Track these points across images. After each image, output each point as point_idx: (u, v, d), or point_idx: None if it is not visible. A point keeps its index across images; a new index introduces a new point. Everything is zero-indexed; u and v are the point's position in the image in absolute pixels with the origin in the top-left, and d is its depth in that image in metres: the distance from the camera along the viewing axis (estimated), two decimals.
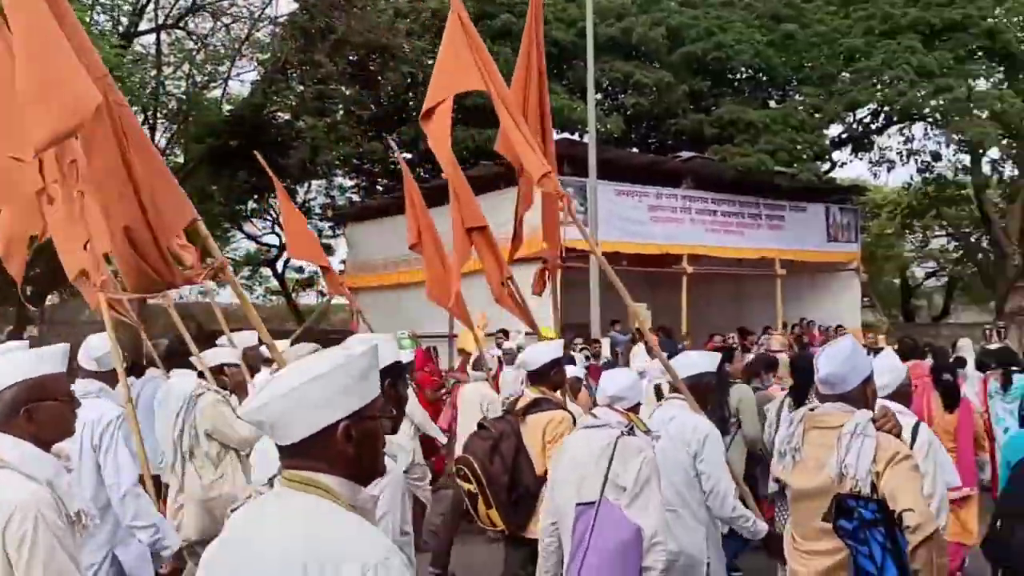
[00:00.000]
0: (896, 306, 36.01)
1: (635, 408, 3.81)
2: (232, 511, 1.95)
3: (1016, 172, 25.04)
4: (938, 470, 3.67)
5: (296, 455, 1.68)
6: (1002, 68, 21.64)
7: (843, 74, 19.75)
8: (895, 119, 22.47)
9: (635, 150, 21.05)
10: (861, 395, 3.16)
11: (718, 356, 4.89)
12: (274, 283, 30.94)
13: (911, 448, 3.41)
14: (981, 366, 9.92)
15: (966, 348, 10.95)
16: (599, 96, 19.70)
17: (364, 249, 20.05)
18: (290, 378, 1.67)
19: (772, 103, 21.39)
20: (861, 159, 25.31)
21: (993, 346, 14.49)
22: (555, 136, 18.81)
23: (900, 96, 18.42)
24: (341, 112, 20.22)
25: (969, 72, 19.90)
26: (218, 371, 5.40)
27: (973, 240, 31.46)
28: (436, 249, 7.23)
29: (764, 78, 20.91)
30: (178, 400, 5.13)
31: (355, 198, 24.56)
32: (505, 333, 10.91)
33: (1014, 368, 9.61)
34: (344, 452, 1.67)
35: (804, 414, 3.30)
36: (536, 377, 4.54)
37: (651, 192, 17.25)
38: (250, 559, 1.63)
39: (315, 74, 18.43)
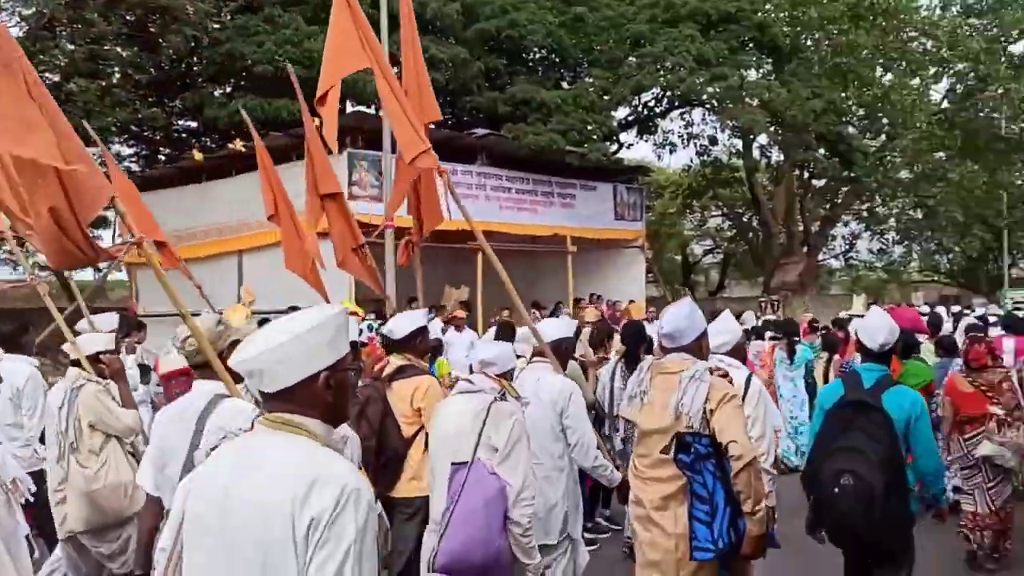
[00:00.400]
0: (678, 281, 38.22)
1: (507, 375, 4.13)
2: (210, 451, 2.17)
3: (782, 157, 27.15)
4: (767, 415, 4.54)
5: (281, 400, 1.97)
6: (771, 60, 23.35)
7: (630, 58, 20.54)
8: (676, 104, 23.72)
9: (431, 126, 20.99)
10: (697, 348, 3.81)
11: (575, 323, 5.89)
12: (42, 257, 28.50)
13: (744, 397, 4.21)
14: (758, 335, 10.87)
15: (749, 319, 11.91)
16: (395, 69, 19.48)
17: None
18: (279, 333, 1.97)
19: (565, 84, 21.98)
20: (646, 141, 26.57)
21: (770, 317, 15.75)
22: (349, 108, 18.40)
23: (680, 82, 19.44)
24: (117, 75, 18.85)
25: (742, 62, 21.31)
26: (94, 359, 5.18)
27: (745, 220, 33.89)
28: (292, 218, 7.25)
29: (556, 59, 21.44)
30: (58, 394, 5.09)
31: (134, 167, 23.02)
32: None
33: (796, 339, 10.53)
34: (323, 398, 1.99)
35: (652, 363, 3.93)
36: (401, 345, 4.79)
37: (447, 168, 17.20)
38: (258, 474, 1.91)
39: (87, 33, 17.05)
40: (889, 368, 4.38)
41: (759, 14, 21.96)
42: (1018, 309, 21.44)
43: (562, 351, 4.95)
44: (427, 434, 4.32)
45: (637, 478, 3.82)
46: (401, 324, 4.88)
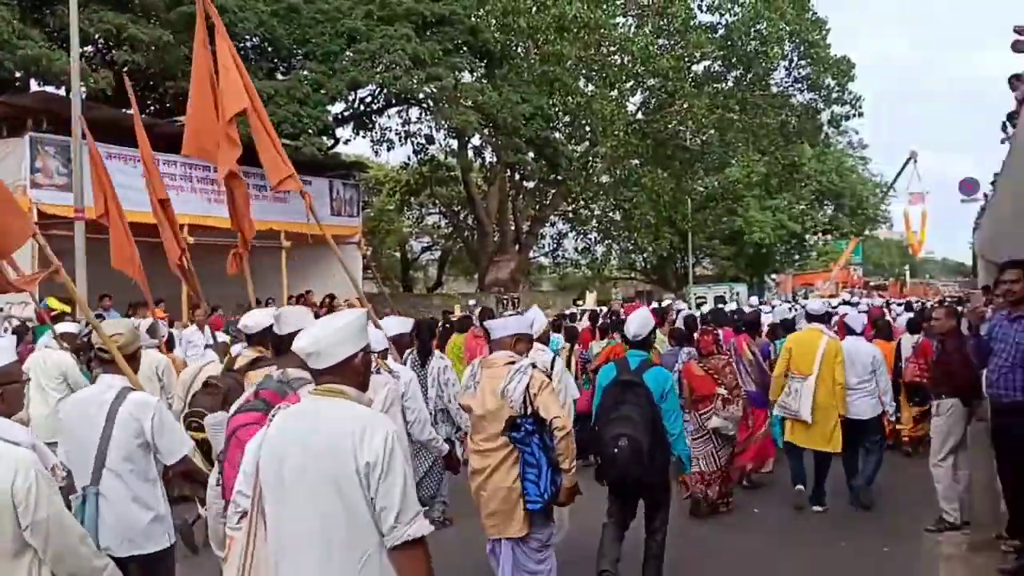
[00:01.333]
0: (397, 277, 38.52)
1: (383, 353, 5.26)
2: (274, 414, 2.85)
3: (495, 158, 28.22)
4: (568, 389, 6.48)
5: (330, 373, 2.73)
6: (484, 64, 24.19)
7: (346, 53, 20.38)
8: (394, 101, 23.88)
9: (130, 111, 19.58)
10: (512, 344, 4.99)
11: (411, 321, 6.94)
12: None
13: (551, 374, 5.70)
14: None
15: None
16: (87, 49, 17.94)
17: None
18: (330, 325, 2.79)
19: (278, 75, 21.36)
20: (364, 137, 26.51)
21: (509, 313, 16.47)
22: (34, 88, 16.63)
23: (396, 80, 19.59)
24: None
25: (456, 64, 21.88)
26: None
27: (461, 218, 34.86)
28: (120, 218, 7.62)
29: (269, 48, 20.78)
30: None
31: None
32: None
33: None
34: (358, 372, 2.80)
35: (481, 360, 5.08)
36: (256, 339, 5.19)
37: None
38: (322, 426, 2.65)
39: None
40: (649, 354, 5.62)
41: (472, 19, 22.65)
42: (701, 303, 23.88)
43: (401, 344, 6.29)
44: None
45: (476, 452, 4.88)
46: (255, 320, 5.27)
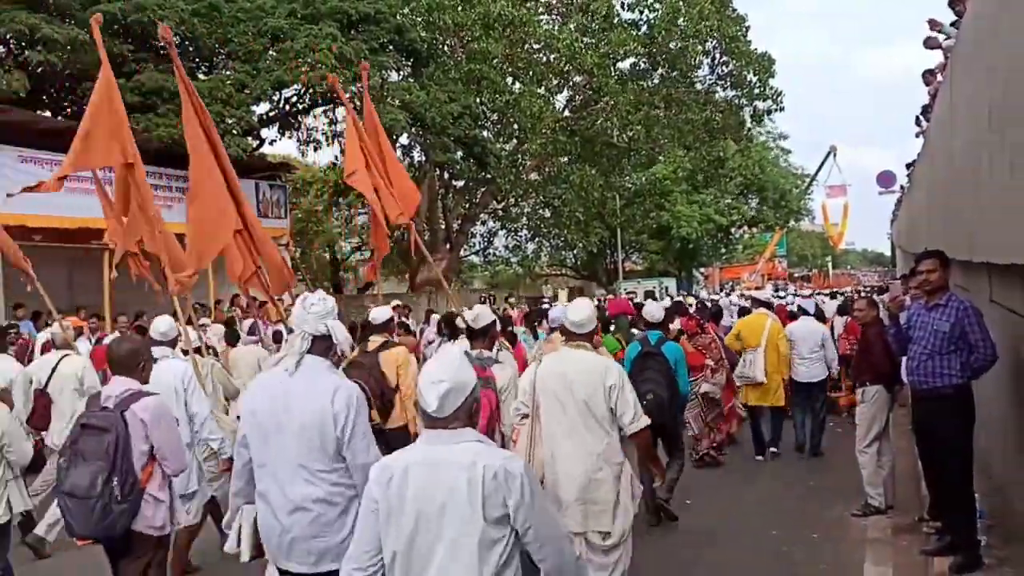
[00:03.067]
0: (327, 278, 38.05)
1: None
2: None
3: (423, 157, 28.07)
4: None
5: (581, 338, 4.77)
6: (410, 63, 24.03)
7: (270, 52, 20.03)
8: (319, 101, 23.55)
9: (46, 113, 18.95)
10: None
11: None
12: None
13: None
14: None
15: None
16: (0, 50, 17.31)
17: None
18: (586, 309, 4.89)
19: (200, 75, 20.88)
20: (290, 138, 26.08)
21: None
22: None
23: (322, 79, 19.33)
24: None
25: (383, 63, 21.68)
26: None
27: None
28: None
29: (190, 48, 20.30)
30: None
31: None
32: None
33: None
34: (593, 336, 4.92)
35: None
36: (380, 328, 7.29)
37: (64, 160, 15.69)
38: (580, 365, 4.66)
39: None
40: (664, 332, 7.58)
41: (397, 17, 22.49)
42: (631, 296, 24.17)
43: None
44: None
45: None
46: (380, 313, 7.50)
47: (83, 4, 17.67)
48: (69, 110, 19.67)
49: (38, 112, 18.18)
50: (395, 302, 17.46)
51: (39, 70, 17.29)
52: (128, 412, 4.21)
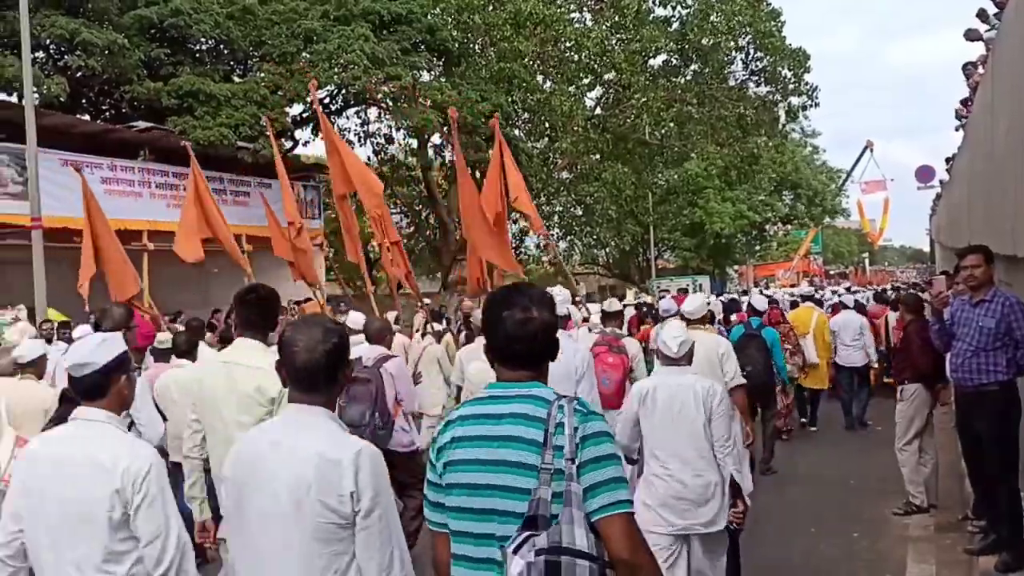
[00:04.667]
0: (360, 278, 38.24)
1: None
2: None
3: (455, 157, 28.10)
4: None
5: (698, 322, 6.77)
6: (441, 63, 24.10)
7: (303, 54, 20.20)
8: (352, 102, 23.71)
9: (85, 117, 19.25)
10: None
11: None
12: None
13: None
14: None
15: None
16: (39, 55, 17.59)
17: None
18: (699, 299, 7.29)
19: (235, 77, 21.11)
20: (323, 139, 26.26)
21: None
22: None
23: (356, 80, 19.45)
24: None
25: (414, 63, 21.76)
26: None
27: (423, 217, 34.71)
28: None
29: (225, 51, 20.52)
30: None
31: None
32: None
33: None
34: (708, 321, 7.58)
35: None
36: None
37: (104, 163, 15.96)
38: (703, 343, 6.00)
39: None
40: (762, 319, 9.77)
41: (428, 17, 22.56)
42: (664, 295, 24.05)
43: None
44: None
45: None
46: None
47: (121, 8, 17.93)
48: (107, 113, 19.98)
49: (77, 116, 18.46)
50: (426, 301, 17.58)
51: (78, 74, 17.57)
52: (382, 368, 6.03)
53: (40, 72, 15.76)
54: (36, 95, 13.13)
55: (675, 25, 29.82)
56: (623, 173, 29.80)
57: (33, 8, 12.68)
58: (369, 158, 29.08)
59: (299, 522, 2.46)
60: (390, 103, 22.39)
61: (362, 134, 26.89)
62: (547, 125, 27.73)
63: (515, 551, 2.14)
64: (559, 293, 6.50)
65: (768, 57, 30.33)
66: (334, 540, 2.47)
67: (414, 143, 28.02)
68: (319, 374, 2.61)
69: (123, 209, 15.99)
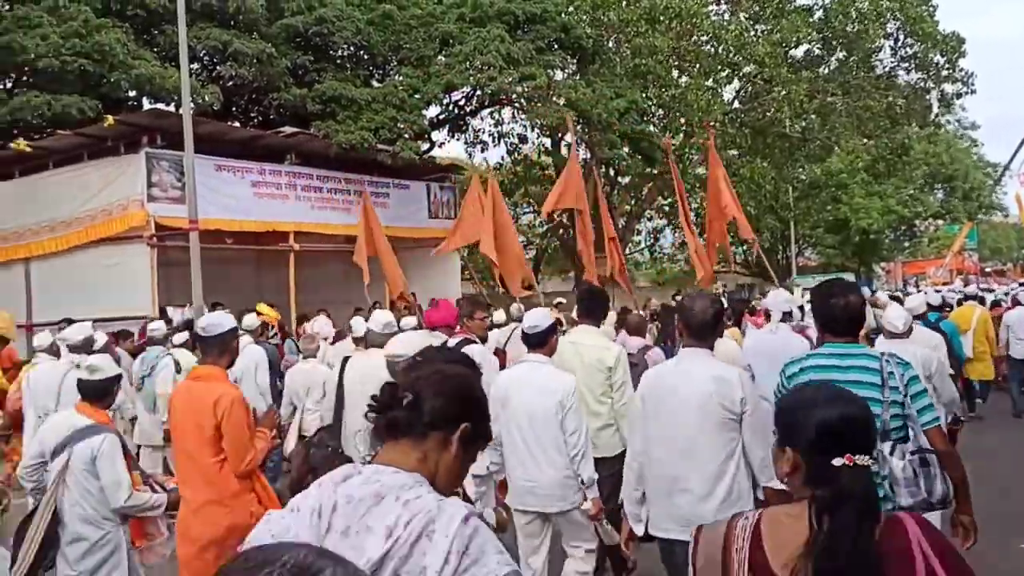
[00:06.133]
0: (493, 277, 38.64)
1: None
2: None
3: (589, 155, 27.99)
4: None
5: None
6: (576, 61, 24.02)
7: (439, 57, 20.54)
8: (486, 103, 23.93)
9: (236, 124, 20.18)
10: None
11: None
12: None
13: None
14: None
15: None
16: (195, 66, 18.56)
17: None
18: (781, 295, 7.61)
19: (375, 82, 21.67)
20: (458, 140, 26.66)
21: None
22: (147, 106, 17.31)
23: (491, 81, 19.61)
24: None
25: (549, 62, 21.76)
26: None
27: (556, 216, 34.73)
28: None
29: (365, 56, 21.11)
30: None
31: None
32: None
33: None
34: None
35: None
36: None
37: (254, 168, 16.69)
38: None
39: None
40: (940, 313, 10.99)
41: (563, 16, 22.53)
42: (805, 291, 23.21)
43: None
44: None
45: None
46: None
47: (269, 19, 18.71)
48: (256, 120, 20.88)
49: (229, 123, 19.38)
50: (558, 300, 17.66)
51: (230, 83, 18.44)
52: (645, 356, 6.74)
53: (196, 82, 16.62)
54: (192, 104, 13.81)
55: (818, 14, 28.69)
56: (762, 168, 28.95)
57: (190, 22, 13.36)
58: (503, 158, 29.35)
59: (705, 417, 3.81)
60: (524, 103, 22.49)
61: (496, 134, 27.11)
62: (683, 120, 27.22)
63: (890, 453, 3.35)
64: (781, 295, 7.57)
65: (919, 44, 28.76)
66: (728, 429, 3.84)
67: (547, 142, 28.05)
68: (707, 327, 4.04)
69: (271, 211, 16.67)
